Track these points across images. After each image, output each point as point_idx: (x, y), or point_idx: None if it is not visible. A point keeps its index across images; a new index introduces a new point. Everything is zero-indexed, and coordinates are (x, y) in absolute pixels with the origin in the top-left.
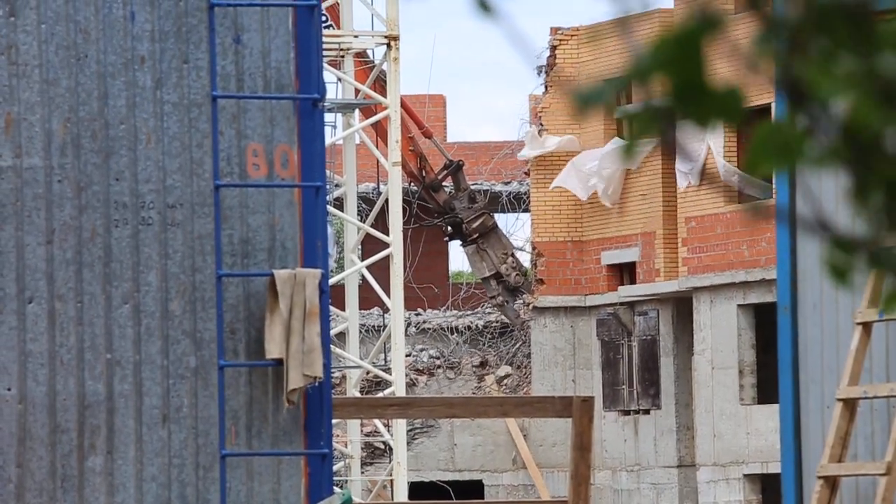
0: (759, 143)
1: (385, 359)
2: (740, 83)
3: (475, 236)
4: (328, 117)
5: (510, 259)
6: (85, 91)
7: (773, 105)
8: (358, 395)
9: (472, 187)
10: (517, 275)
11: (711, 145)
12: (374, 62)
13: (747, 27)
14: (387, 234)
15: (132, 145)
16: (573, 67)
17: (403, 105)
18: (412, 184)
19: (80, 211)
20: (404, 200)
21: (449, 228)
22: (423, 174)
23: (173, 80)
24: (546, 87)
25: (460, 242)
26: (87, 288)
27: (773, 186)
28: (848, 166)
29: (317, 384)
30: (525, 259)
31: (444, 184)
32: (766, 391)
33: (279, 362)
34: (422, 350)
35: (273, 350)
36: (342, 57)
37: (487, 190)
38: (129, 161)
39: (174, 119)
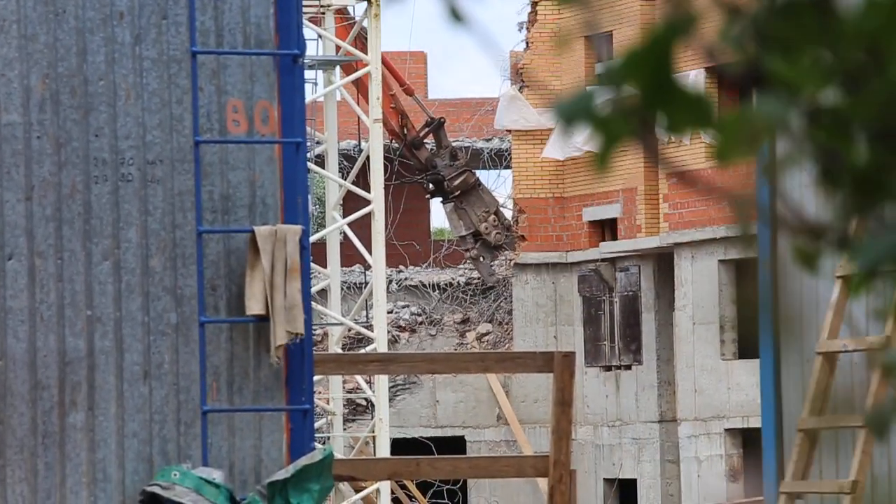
0: (728, 133)
1: (367, 316)
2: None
3: (456, 194)
4: (309, 74)
5: (492, 217)
6: (63, 47)
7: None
8: (340, 352)
9: (454, 144)
10: (497, 233)
11: None
12: (354, 19)
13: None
14: (368, 191)
15: (111, 101)
16: (554, 22)
17: (384, 62)
18: (393, 141)
19: (59, 167)
20: (386, 158)
21: (430, 186)
22: (405, 131)
23: (152, 36)
24: (527, 43)
25: (441, 200)
26: (67, 244)
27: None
28: (815, 156)
29: (298, 341)
30: (507, 215)
31: (425, 141)
32: (746, 346)
33: (260, 318)
34: (403, 307)
35: (253, 306)
36: (323, 14)
37: (469, 147)
38: (108, 117)
39: (154, 75)
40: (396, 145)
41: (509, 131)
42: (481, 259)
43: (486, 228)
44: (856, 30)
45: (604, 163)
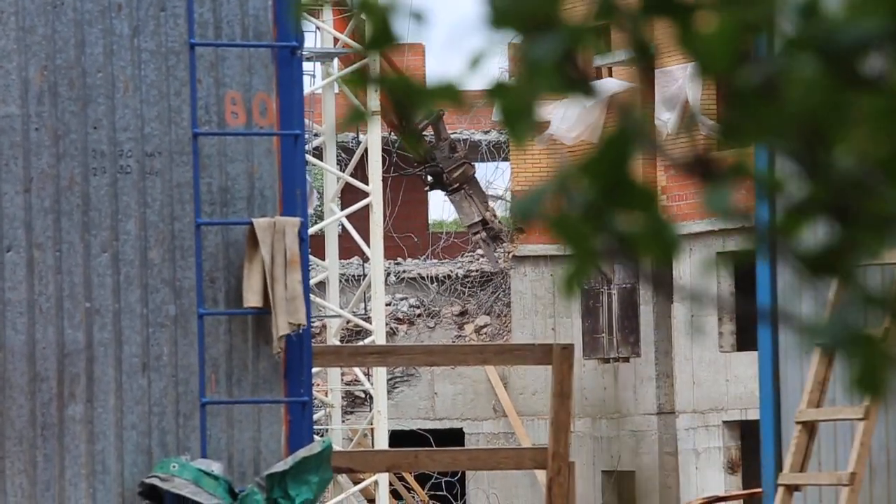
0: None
1: (365, 308)
2: (670, 221)
3: (454, 186)
4: (307, 66)
5: (491, 207)
6: (62, 39)
7: None
8: (338, 344)
9: (452, 136)
10: (499, 222)
11: (689, 97)
12: (352, 11)
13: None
14: (366, 183)
15: (110, 93)
16: None
17: (382, 53)
18: (392, 133)
19: (57, 159)
20: (384, 150)
21: (429, 178)
22: (403, 124)
23: (150, 28)
24: None
25: (445, 193)
26: (66, 236)
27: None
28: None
29: (301, 331)
30: (502, 209)
31: (424, 133)
32: (745, 338)
33: (259, 310)
34: (402, 299)
35: (251, 298)
36: (321, 6)
37: (467, 139)
38: (106, 109)
39: (152, 67)
40: (395, 137)
41: None
42: (488, 244)
43: (490, 217)
44: (797, 112)
45: (572, 288)
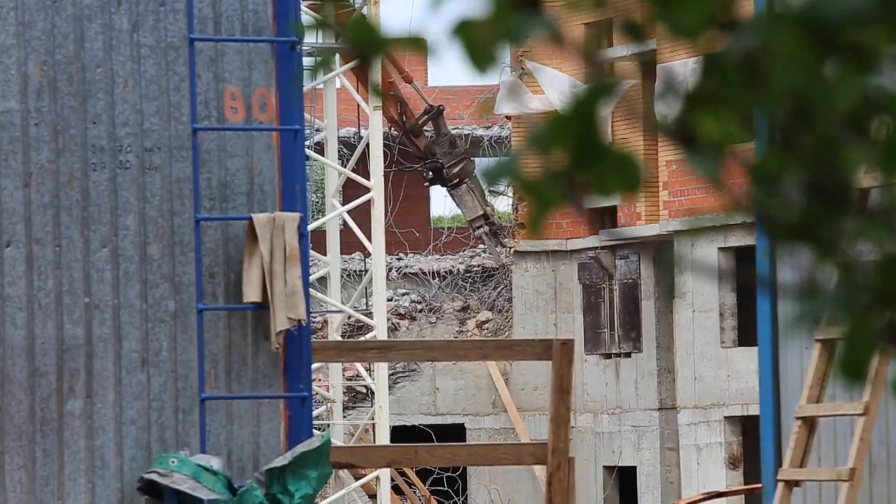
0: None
1: (367, 303)
2: (636, 154)
3: (455, 182)
4: (308, 61)
5: (490, 203)
6: (61, 34)
7: None
8: (339, 339)
9: (453, 131)
10: (498, 217)
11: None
12: (353, 6)
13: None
14: (368, 178)
15: (109, 89)
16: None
17: None
18: (392, 129)
19: (57, 154)
20: (385, 145)
21: (430, 174)
22: (404, 119)
23: (150, 23)
24: None
25: (447, 188)
26: (65, 232)
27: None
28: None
29: (301, 326)
30: (504, 204)
31: (424, 129)
32: (746, 334)
33: (258, 306)
34: (403, 294)
35: (250, 294)
36: (322, 0)
37: (468, 134)
38: (106, 104)
39: (151, 62)
40: (395, 133)
41: (509, 118)
42: (492, 238)
43: (490, 211)
44: (782, 87)
45: (536, 228)
